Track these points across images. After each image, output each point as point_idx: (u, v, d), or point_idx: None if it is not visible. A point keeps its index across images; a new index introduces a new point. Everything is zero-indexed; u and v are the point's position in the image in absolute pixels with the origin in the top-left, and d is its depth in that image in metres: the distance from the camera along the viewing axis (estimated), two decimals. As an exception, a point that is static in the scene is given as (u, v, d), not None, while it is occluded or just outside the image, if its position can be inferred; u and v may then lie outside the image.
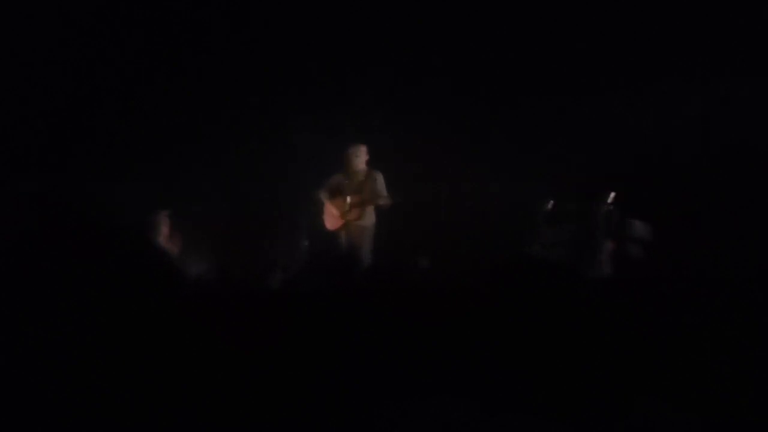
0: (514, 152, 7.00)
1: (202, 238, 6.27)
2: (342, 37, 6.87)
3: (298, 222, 7.10)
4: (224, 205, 7.18)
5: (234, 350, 1.82)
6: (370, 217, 6.54)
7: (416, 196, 6.67)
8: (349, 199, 6.51)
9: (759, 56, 6.40)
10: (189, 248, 6.02)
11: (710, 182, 6.28)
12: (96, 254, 1.76)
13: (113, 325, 1.66)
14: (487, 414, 1.55)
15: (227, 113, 7.20)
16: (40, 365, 1.59)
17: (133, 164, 6.64)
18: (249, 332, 1.93)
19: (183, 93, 7.00)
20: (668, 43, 6.59)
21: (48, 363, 1.59)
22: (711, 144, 6.50)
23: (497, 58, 6.87)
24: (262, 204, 7.35)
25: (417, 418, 1.55)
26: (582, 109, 6.93)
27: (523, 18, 6.82)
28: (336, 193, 6.59)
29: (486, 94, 7.02)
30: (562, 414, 1.59)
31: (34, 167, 6.12)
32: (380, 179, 6.52)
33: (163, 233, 5.93)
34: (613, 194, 6.12)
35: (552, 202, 6.43)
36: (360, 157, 6.54)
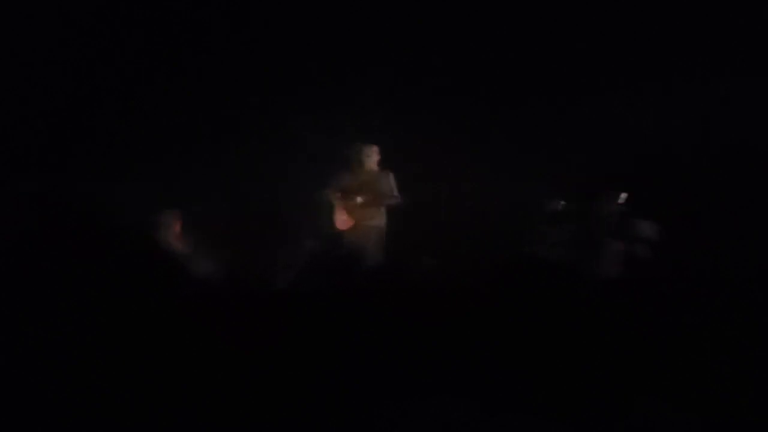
0: (518, 152, 7.00)
1: (210, 237, 6.27)
2: (344, 37, 6.87)
3: (308, 222, 7.09)
4: (233, 205, 7.17)
5: (239, 349, 1.82)
6: (380, 218, 6.54)
7: (418, 197, 6.66)
8: (359, 199, 6.51)
9: (760, 56, 6.40)
10: (197, 248, 6.01)
11: (715, 182, 6.28)
12: (103, 254, 1.76)
13: (121, 324, 1.67)
14: (487, 414, 1.55)
15: (234, 113, 7.20)
16: (45, 363, 1.59)
17: (141, 164, 6.63)
18: (255, 331, 1.93)
19: (189, 93, 7.00)
20: (671, 43, 6.58)
21: (54, 361, 1.60)
22: (715, 143, 6.49)
23: (501, 57, 6.87)
24: (271, 204, 7.34)
25: (417, 418, 1.55)
26: (586, 109, 6.92)
27: (525, 17, 6.82)
28: (346, 193, 6.58)
29: (489, 94, 7.02)
30: (562, 414, 1.59)
31: (40, 168, 6.12)
32: (391, 179, 6.51)
33: (171, 233, 5.92)
34: (623, 195, 6.12)
35: (558, 201, 6.42)
36: (371, 158, 6.53)
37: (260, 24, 7.00)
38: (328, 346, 1.91)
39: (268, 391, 1.74)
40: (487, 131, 7.04)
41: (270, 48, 7.03)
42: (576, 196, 6.45)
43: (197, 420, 1.64)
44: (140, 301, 1.72)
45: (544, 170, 6.80)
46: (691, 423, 1.58)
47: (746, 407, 1.81)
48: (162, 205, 5.99)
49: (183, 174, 6.83)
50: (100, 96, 6.94)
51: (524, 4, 6.86)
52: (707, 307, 2.15)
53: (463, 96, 7.08)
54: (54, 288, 1.68)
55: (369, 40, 6.91)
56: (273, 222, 7.16)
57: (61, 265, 1.71)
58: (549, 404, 1.61)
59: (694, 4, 6.46)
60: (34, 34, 6.51)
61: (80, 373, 1.59)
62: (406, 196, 6.48)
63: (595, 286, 2.20)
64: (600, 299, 2.03)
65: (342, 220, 6.59)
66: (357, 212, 6.51)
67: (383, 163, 6.56)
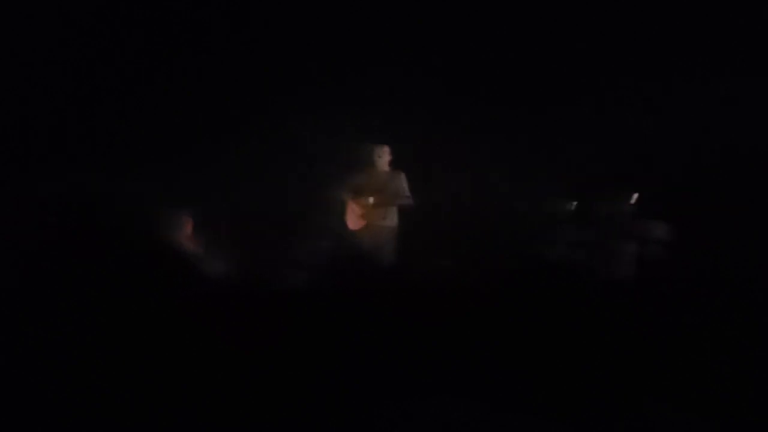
0: (529, 153, 6.99)
1: (221, 238, 6.26)
2: (345, 37, 6.87)
3: (320, 222, 7.09)
4: (244, 205, 7.16)
5: (241, 348, 1.82)
6: (392, 218, 6.54)
7: (430, 197, 6.66)
8: (371, 199, 6.51)
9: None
10: (209, 248, 6.00)
11: (724, 182, 6.27)
12: (115, 254, 1.77)
13: (135, 324, 1.67)
14: (487, 414, 1.55)
15: (244, 112, 7.20)
16: (60, 362, 1.60)
17: (152, 165, 6.63)
18: (258, 331, 1.93)
19: (198, 92, 7.00)
20: (677, 43, 6.58)
21: (69, 360, 1.60)
22: (723, 143, 6.48)
23: (512, 57, 6.87)
24: (283, 204, 7.34)
25: (417, 418, 1.55)
26: (596, 110, 6.92)
27: (531, 17, 6.82)
28: (359, 193, 6.58)
29: (499, 94, 7.01)
30: (562, 414, 1.59)
31: (53, 170, 6.12)
32: (403, 180, 6.51)
33: (183, 233, 5.91)
34: (636, 195, 6.11)
35: (569, 202, 6.42)
36: (383, 158, 6.53)
37: (261, 24, 6.99)
38: (329, 346, 1.91)
39: (269, 391, 1.74)
40: (498, 132, 7.04)
41: (282, 45, 7.03)
42: (587, 197, 6.45)
43: (199, 419, 1.64)
44: (153, 301, 1.72)
45: (555, 171, 6.81)
46: (691, 423, 1.58)
47: (746, 407, 1.81)
48: (173, 206, 5.98)
49: (194, 174, 6.83)
50: (109, 96, 6.94)
51: (529, 4, 6.86)
52: (709, 308, 2.15)
53: (472, 96, 7.08)
54: (66, 288, 1.68)
55: (369, 40, 6.91)
56: (284, 222, 7.16)
57: (74, 266, 1.72)
58: (549, 404, 1.61)
59: (696, 4, 6.47)
60: (34, 34, 6.51)
61: (96, 372, 1.60)
62: (417, 196, 6.48)
63: (602, 286, 2.20)
64: (605, 299, 2.03)
65: (354, 220, 6.59)
66: (369, 212, 6.51)
67: (395, 164, 6.57)
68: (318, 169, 7.02)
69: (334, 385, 1.80)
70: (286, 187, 7.31)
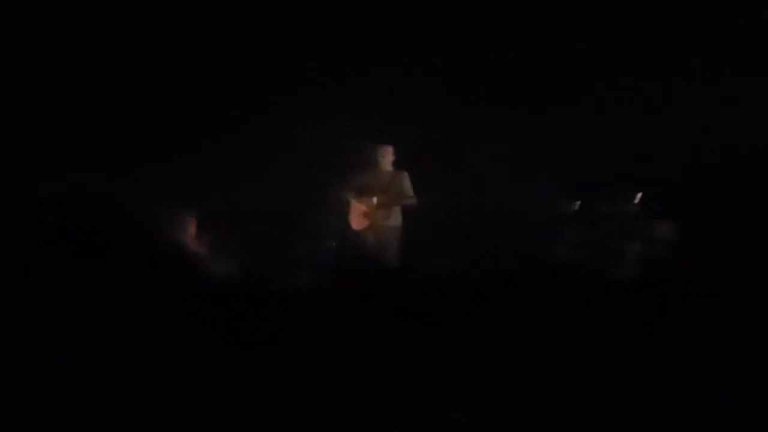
0: (533, 153, 6.99)
1: (225, 238, 6.26)
2: (347, 37, 6.87)
3: (324, 222, 7.09)
4: (248, 205, 7.16)
5: (240, 349, 1.82)
6: (396, 218, 6.54)
7: (434, 197, 6.66)
8: (375, 199, 6.51)
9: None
10: (212, 248, 6.00)
11: (730, 183, 6.27)
12: (119, 255, 1.77)
13: (138, 324, 1.67)
14: (487, 414, 1.55)
15: (249, 113, 7.20)
16: (66, 362, 1.60)
17: (155, 165, 6.63)
18: (259, 331, 1.93)
19: (201, 92, 7.01)
20: (685, 45, 6.58)
21: (66, 360, 1.60)
22: (727, 144, 6.47)
23: (515, 57, 6.87)
24: (287, 204, 7.34)
25: (417, 418, 1.55)
26: (600, 110, 6.92)
27: (531, 17, 6.82)
28: (363, 193, 6.58)
29: (502, 94, 7.01)
30: (562, 414, 1.59)
31: (55, 170, 6.12)
32: (407, 180, 6.50)
33: (187, 234, 5.90)
34: (639, 195, 6.11)
35: (573, 202, 6.43)
36: (387, 158, 6.53)
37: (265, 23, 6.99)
38: (330, 346, 1.91)
39: (269, 390, 1.74)
40: (499, 131, 7.04)
41: (279, 48, 7.03)
42: (589, 196, 6.46)
43: (200, 419, 1.64)
44: (156, 302, 1.73)
45: (557, 171, 6.81)
46: (691, 423, 1.58)
47: (746, 407, 1.81)
48: (177, 206, 5.97)
49: (197, 174, 6.83)
50: (111, 96, 6.94)
51: (529, 4, 6.87)
52: (708, 308, 2.15)
53: (472, 96, 7.08)
54: (69, 288, 1.68)
55: (369, 40, 6.91)
56: (288, 222, 7.17)
57: (76, 267, 1.72)
58: (549, 404, 1.61)
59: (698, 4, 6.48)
60: (34, 34, 6.51)
61: (99, 373, 1.60)
62: (420, 196, 6.48)
63: (602, 286, 2.20)
64: (605, 299, 2.03)
65: (358, 221, 6.60)
66: (373, 212, 6.51)
67: (398, 164, 6.57)
68: (321, 170, 7.03)
69: (335, 384, 1.80)
70: (289, 188, 7.32)
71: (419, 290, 2.16)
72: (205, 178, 6.83)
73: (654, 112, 6.92)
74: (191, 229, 5.93)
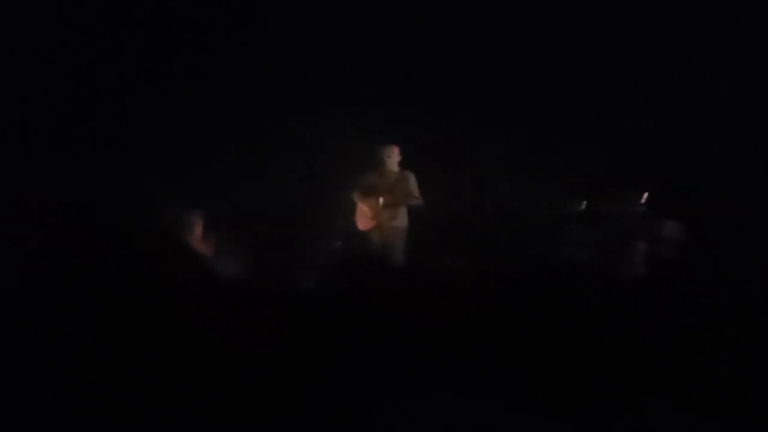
0: (539, 153, 6.99)
1: (232, 238, 6.26)
2: (350, 37, 6.88)
3: (330, 222, 7.09)
4: (255, 205, 7.16)
5: (242, 348, 1.82)
6: (402, 218, 6.54)
7: (439, 197, 6.66)
8: (381, 199, 6.51)
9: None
10: (219, 249, 6.00)
11: (737, 182, 6.27)
12: (124, 255, 1.77)
13: (144, 326, 1.67)
14: (487, 414, 1.55)
15: (254, 113, 7.21)
16: (73, 363, 1.60)
17: (161, 165, 6.64)
18: (265, 331, 1.93)
19: (207, 92, 7.02)
20: (687, 45, 6.59)
21: (82, 361, 1.60)
22: (732, 144, 6.47)
23: (517, 57, 6.87)
24: (294, 204, 7.34)
25: (417, 418, 1.55)
26: (605, 110, 6.92)
27: (531, 17, 6.82)
28: (369, 194, 6.58)
29: (507, 94, 7.01)
30: (562, 414, 1.59)
31: (59, 168, 6.12)
32: (413, 180, 6.50)
33: (193, 234, 5.90)
34: (646, 194, 6.10)
35: (579, 202, 6.42)
36: (393, 158, 6.54)
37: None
38: (330, 346, 1.91)
39: (269, 390, 1.75)
40: (503, 132, 7.03)
41: (301, 44, 7.03)
42: (595, 197, 6.45)
43: (200, 418, 1.64)
44: (162, 302, 1.73)
45: (562, 172, 6.81)
46: (691, 423, 1.58)
47: (746, 407, 1.81)
48: (182, 207, 5.97)
49: (203, 175, 6.84)
50: (119, 96, 6.95)
51: (529, 4, 6.87)
52: (708, 307, 2.15)
53: (475, 96, 7.08)
54: (73, 289, 1.68)
55: (369, 40, 6.91)
56: (294, 222, 7.18)
57: (81, 267, 1.72)
58: (549, 404, 1.61)
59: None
60: (34, 34, 6.52)
61: (102, 376, 1.60)
62: (427, 197, 6.48)
63: (603, 286, 2.20)
64: (606, 299, 2.03)
65: (364, 221, 6.60)
66: (379, 213, 6.51)
67: (404, 164, 6.57)
68: (327, 170, 7.03)
69: (335, 384, 1.80)
70: (295, 188, 7.33)
71: (423, 290, 2.16)
72: (211, 178, 6.84)
73: (654, 112, 6.92)
74: (198, 229, 5.94)
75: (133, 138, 6.91)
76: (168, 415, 1.62)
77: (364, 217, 6.60)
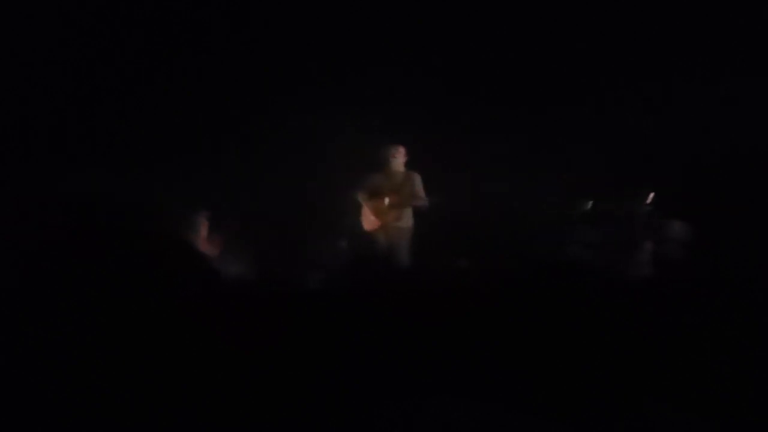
0: (545, 153, 6.98)
1: (237, 239, 6.26)
2: (353, 37, 6.88)
3: (336, 223, 7.10)
4: (262, 206, 7.17)
5: (242, 348, 1.82)
6: (408, 219, 6.55)
7: (445, 197, 6.66)
8: (387, 200, 6.52)
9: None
10: (227, 248, 6.01)
11: (739, 182, 6.27)
12: (129, 256, 1.77)
13: (149, 326, 1.68)
14: (487, 414, 1.55)
15: (265, 113, 7.21)
16: (77, 364, 1.60)
17: (166, 166, 6.64)
18: (268, 331, 1.93)
19: (215, 94, 7.03)
20: (689, 45, 6.59)
21: (86, 361, 1.61)
22: (738, 144, 6.46)
23: (521, 56, 6.87)
24: (300, 204, 7.35)
25: (417, 418, 1.55)
26: (612, 110, 6.92)
27: (534, 17, 6.83)
28: (374, 194, 6.59)
29: (513, 94, 7.01)
30: (562, 414, 1.59)
31: (65, 168, 6.13)
32: (418, 181, 6.50)
33: (199, 235, 5.91)
34: (652, 194, 6.10)
35: (586, 202, 6.42)
36: (398, 159, 6.54)
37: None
38: (332, 346, 1.91)
39: (270, 390, 1.75)
40: (507, 132, 7.03)
41: (282, 48, 7.04)
42: (605, 196, 6.45)
43: (199, 418, 1.64)
44: (168, 303, 1.73)
45: (570, 171, 6.81)
46: (691, 423, 1.58)
47: (746, 407, 1.81)
48: (188, 207, 5.98)
49: (208, 175, 6.84)
50: (121, 96, 6.96)
51: (529, 4, 6.87)
52: (709, 307, 2.15)
53: (475, 96, 7.08)
54: (81, 290, 1.69)
55: (369, 40, 6.91)
56: (300, 223, 7.18)
57: (87, 268, 1.72)
58: (549, 404, 1.61)
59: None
60: (35, 34, 6.52)
61: (110, 375, 1.60)
62: (433, 197, 6.49)
63: (604, 286, 2.20)
64: (607, 299, 2.03)
65: (369, 222, 6.60)
66: (384, 213, 6.52)
67: (413, 165, 6.57)
68: (333, 171, 7.03)
69: (335, 384, 1.80)
70: (301, 189, 7.33)
71: (427, 291, 2.16)
72: (217, 179, 6.85)
73: (654, 112, 6.92)
74: (203, 230, 5.94)
75: (138, 139, 6.92)
76: (171, 414, 1.62)
77: (369, 218, 6.60)
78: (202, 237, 5.89)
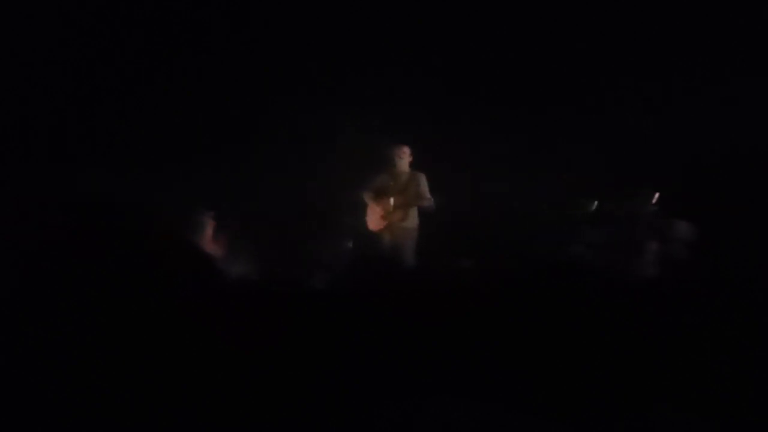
0: (549, 153, 6.98)
1: (243, 239, 6.26)
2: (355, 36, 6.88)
3: (341, 223, 7.10)
4: (262, 206, 7.17)
5: (249, 348, 1.82)
6: (413, 219, 6.56)
7: (449, 197, 6.66)
8: (392, 200, 6.52)
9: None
10: (232, 248, 6.00)
11: (741, 182, 6.26)
12: (135, 257, 1.77)
13: (154, 326, 1.68)
14: (487, 414, 1.55)
15: (270, 113, 7.21)
16: (82, 363, 1.60)
17: (171, 165, 6.64)
18: (270, 330, 1.93)
19: (215, 93, 7.03)
20: (692, 44, 6.59)
21: (91, 361, 1.61)
22: (743, 143, 6.46)
23: (520, 58, 6.87)
24: (300, 204, 7.35)
25: (417, 418, 1.55)
26: (616, 109, 6.92)
27: (534, 17, 6.82)
28: (380, 194, 6.59)
29: (516, 94, 7.00)
30: (562, 414, 1.59)
31: (69, 169, 6.12)
32: (423, 181, 6.52)
33: (204, 235, 5.90)
34: (657, 195, 6.09)
35: (591, 202, 6.42)
36: (403, 159, 6.55)
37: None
38: (330, 345, 1.91)
39: (270, 390, 1.75)
40: (514, 131, 7.03)
41: (282, 48, 7.04)
42: (605, 196, 6.45)
43: (199, 418, 1.64)
44: (174, 304, 1.73)
45: (570, 171, 6.81)
46: (691, 423, 1.58)
47: (746, 407, 1.81)
48: (193, 207, 5.96)
49: (214, 176, 6.84)
50: (125, 97, 6.96)
51: (528, 4, 6.87)
52: (709, 307, 2.15)
53: (480, 96, 7.07)
54: (85, 291, 1.69)
55: (369, 40, 6.91)
56: (305, 223, 7.18)
57: (91, 268, 1.72)
58: (549, 404, 1.61)
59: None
60: (35, 34, 6.52)
61: (115, 375, 1.60)
62: (437, 197, 6.50)
63: (605, 285, 2.20)
64: (607, 299, 2.03)
65: (375, 222, 6.61)
66: (390, 213, 6.53)
67: (415, 165, 6.58)
68: (338, 171, 7.03)
69: (335, 384, 1.80)
70: (306, 188, 7.33)
71: (431, 291, 2.16)
72: (217, 179, 6.85)
73: (654, 112, 6.92)
74: (208, 230, 5.93)
75: (138, 139, 6.92)
76: (171, 414, 1.62)
77: (374, 218, 6.61)
78: (208, 237, 5.88)
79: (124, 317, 1.67)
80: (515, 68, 6.96)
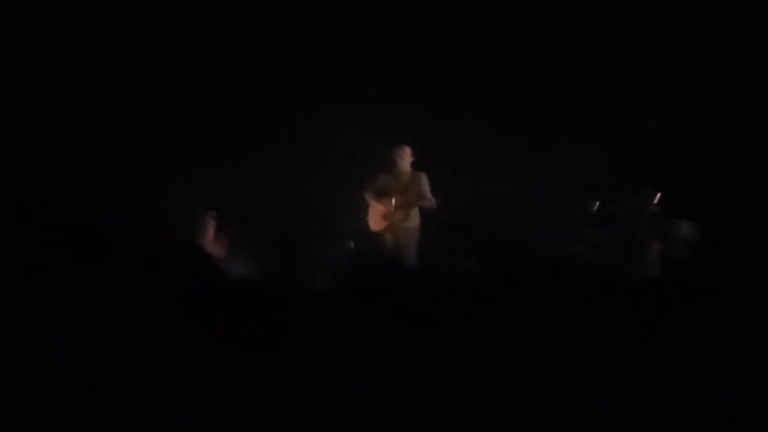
0: (551, 152, 6.98)
1: (245, 238, 6.26)
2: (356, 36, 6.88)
3: (343, 223, 7.11)
4: (262, 206, 7.17)
5: (249, 348, 1.82)
6: (414, 219, 6.56)
7: (451, 197, 6.67)
8: (394, 200, 6.53)
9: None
10: (233, 248, 6.00)
11: (746, 182, 6.26)
12: (137, 257, 1.77)
13: (156, 326, 1.68)
14: (487, 414, 1.55)
15: (271, 113, 7.22)
16: (86, 363, 1.60)
17: (173, 165, 6.64)
18: (271, 331, 1.93)
19: (217, 93, 7.04)
20: (692, 44, 6.59)
21: (95, 361, 1.61)
22: (747, 144, 6.45)
23: (520, 57, 6.87)
24: (300, 204, 7.36)
25: (417, 418, 1.55)
26: (618, 108, 6.92)
27: (534, 17, 6.82)
28: (381, 194, 6.60)
29: (518, 93, 7.00)
30: (562, 414, 1.59)
31: (73, 169, 6.13)
32: (425, 181, 6.53)
33: (206, 235, 5.90)
34: (659, 195, 6.10)
35: (593, 202, 6.43)
36: (405, 159, 6.56)
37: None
38: (330, 345, 1.91)
39: (269, 390, 1.75)
40: (514, 131, 7.03)
41: (314, 42, 7.04)
42: (605, 196, 6.45)
43: (199, 418, 1.64)
44: (175, 304, 1.73)
45: (570, 171, 6.81)
46: (691, 423, 1.58)
47: (747, 407, 1.81)
48: (195, 207, 5.97)
49: (216, 176, 6.85)
50: (125, 97, 6.96)
51: (528, 4, 6.87)
52: (710, 307, 2.15)
53: (480, 96, 7.08)
54: (86, 291, 1.69)
55: (369, 40, 6.91)
56: (307, 223, 7.18)
57: (92, 268, 1.72)
58: (549, 404, 1.61)
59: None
60: (35, 34, 6.52)
61: (117, 375, 1.61)
62: (438, 197, 6.50)
63: (607, 286, 2.20)
64: (607, 299, 2.03)
65: (376, 222, 6.61)
66: (391, 213, 6.53)
67: (416, 165, 6.58)
68: (340, 171, 7.04)
69: (335, 384, 1.80)
70: (308, 188, 7.34)
71: (432, 291, 2.16)
72: (217, 179, 6.85)
73: (654, 112, 6.92)
74: (210, 230, 5.93)
75: (138, 139, 6.92)
76: (171, 414, 1.62)
77: (376, 218, 6.61)
78: (210, 237, 5.88)
79: (124, 317, 1.67)
80: (515, 68, 6.96)
